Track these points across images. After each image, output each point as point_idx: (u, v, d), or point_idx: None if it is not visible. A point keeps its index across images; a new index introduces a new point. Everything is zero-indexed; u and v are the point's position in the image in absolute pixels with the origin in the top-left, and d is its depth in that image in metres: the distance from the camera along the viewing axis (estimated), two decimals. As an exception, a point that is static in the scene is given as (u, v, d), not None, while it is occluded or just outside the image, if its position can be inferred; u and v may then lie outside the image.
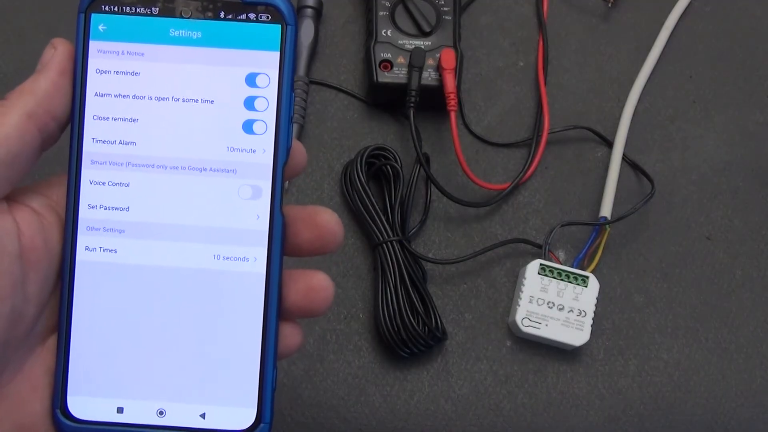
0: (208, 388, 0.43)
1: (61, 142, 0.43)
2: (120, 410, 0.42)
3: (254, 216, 0.43)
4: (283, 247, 0.43)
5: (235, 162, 0.43)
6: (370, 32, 0.73)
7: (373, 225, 0.68)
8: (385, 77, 0.71)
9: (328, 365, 0.67)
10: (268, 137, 0.43)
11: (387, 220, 0.68)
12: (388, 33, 0.72)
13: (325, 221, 0.44)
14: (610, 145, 0.75)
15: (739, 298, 0.71)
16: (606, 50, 0.79)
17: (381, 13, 0.73)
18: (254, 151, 0.43)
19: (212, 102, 0.42)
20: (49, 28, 0.73)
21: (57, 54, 0.41)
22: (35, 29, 0.73)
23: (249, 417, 0.43)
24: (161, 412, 0.43)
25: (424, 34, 0.72)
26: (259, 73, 0.43)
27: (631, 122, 0.75)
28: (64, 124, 0.42)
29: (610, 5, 0.80)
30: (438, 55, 0.71)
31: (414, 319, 0.65)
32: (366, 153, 0.69)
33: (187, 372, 0.43)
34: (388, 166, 0.69)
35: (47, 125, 0.40)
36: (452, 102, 0.69)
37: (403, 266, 0.66)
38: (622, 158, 0.73)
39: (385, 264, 0.66)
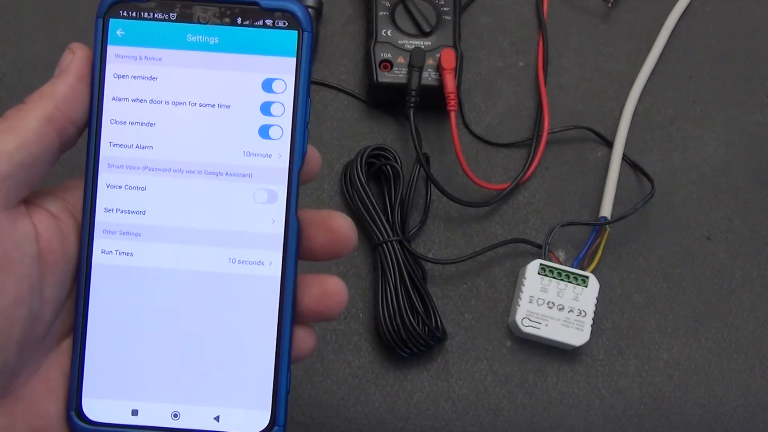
0: (223, 390, 0.43)
1: (77, 146, 0.43)
2: (135, 413, 0.43)
3: (270, 220, 0.43)
4: (298, 251, 0.43)
5: (251, 166, 0.43)
6: (370, 32, 0.73)
7: (373, 225, 0.68)
8: (385, 77, 0.71)
9: (328, 365, 0.67)
10: (284, 142, 0.43)
11: (387, 220, 0.68)
12: (388, 33, 0.72)
13: (339, 225, 0.44)
14: (610, 145, 0.75)
15: (739, 298, 0.72)
16: (606, 50, 0.79)
17: (381, 13, 0.73)
18: (270, 155, 0.43)
19: (229, 107, 0.43)
20: (49, 28, 0.73)
21: (75, 59, 0.41)
22: (35, 29, 0.73)
23: (263, 420, 0.43)
24: (176, 415, 0.43)
25: (424, 34, 0.72)
26: (275, 79, 0.43)
27: (631, 122, 0.75)
28: (82, 127, 0.42)
29: (610, 5, 0.80)
30: (438, 55, 0.71)
31: (414, 319, 0.65)
32: (366, 153, 0.69)
33: (202, 375, 0.43)
34: (388, 166, 0.70)
35: (66, 129, 0.41)
36: (452, 102, 0.69)
37: (403, 266, 0.66)
38: (622, 158, 0.74)
39: (385, 264, 0.66)
